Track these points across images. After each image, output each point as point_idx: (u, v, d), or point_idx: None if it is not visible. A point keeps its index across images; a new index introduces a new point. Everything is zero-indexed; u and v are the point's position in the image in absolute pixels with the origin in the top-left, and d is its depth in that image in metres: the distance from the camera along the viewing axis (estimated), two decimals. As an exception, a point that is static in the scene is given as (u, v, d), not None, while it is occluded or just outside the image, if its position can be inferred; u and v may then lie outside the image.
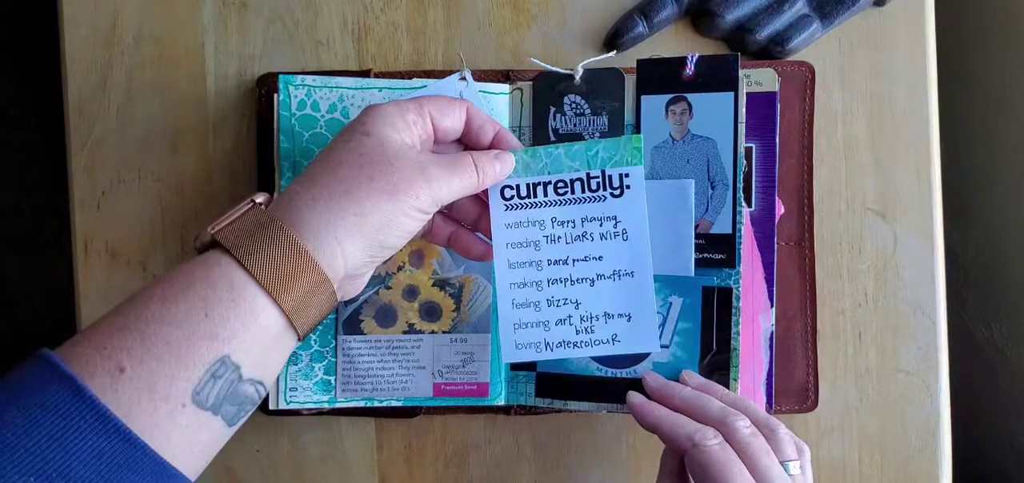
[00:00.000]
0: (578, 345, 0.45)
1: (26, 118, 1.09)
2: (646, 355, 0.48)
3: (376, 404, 0.49)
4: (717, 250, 0.47)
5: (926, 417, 0.52)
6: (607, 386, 0.48)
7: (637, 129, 0.48)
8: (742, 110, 0.46)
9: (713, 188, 0.47)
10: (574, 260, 0.44)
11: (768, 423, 0.42)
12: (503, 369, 0.50)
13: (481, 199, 0.45)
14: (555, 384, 0.49)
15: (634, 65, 0.48)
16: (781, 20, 0.51)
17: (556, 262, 0.44)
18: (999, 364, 0.69)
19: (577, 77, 0.48)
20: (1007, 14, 0.67)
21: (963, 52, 0.70)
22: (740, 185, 0.46)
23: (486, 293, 0.50)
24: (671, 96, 0.47)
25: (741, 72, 0.46)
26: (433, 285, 0.49)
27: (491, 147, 0.43)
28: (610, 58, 0.50)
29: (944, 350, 0.53)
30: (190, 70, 0.52)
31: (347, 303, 0.48)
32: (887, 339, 0.52)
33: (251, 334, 0.34)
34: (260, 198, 0.38)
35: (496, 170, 0.42)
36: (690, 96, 0.47)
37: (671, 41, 0.53)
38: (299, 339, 0.36)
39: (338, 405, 0.49)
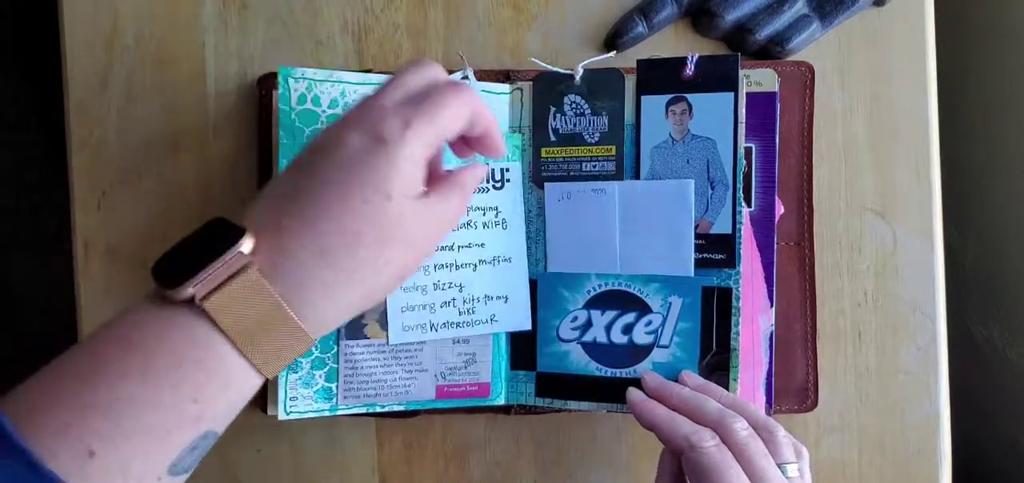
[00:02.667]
0: (460, 325, 0.48)
1: (26, 118, 1.09)
2: (647, 353, 0.48)
3: (377, 410, 0.49)
4: (717, 250, 0.47)
5: (926, 417, 0.52)
6: (607, 386, 0.48)
7: (637, 129, 0.48)
8: (742, 110, 0.46)
9: (713, 188, 0.47)
10: (459, 246, 0.48)
11: (767, 425, 0.42)
12: (503, 369, 0.50)
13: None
14: (555, 384, 0.49)
15: (634, 65, 0.48)
16: (781, 20, 0.51)
17: (443, 248, 0.47)
18: (999, 364, 0.69)
19: (577, 77, 0.48)
20: (1007, 14, 0.67)
21: (963, 52, 0.70)
22: (740, 185, 0.46)
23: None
24: (671, 96, 0.47)
25: (741, 72, 0.46)
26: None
27: (477, 140, 0.40)
28: (610, 58, 0.50)
29: (944, 350, 0.53)
30: (190, 70, 0.52)
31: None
32: (887, 339, 0.52)
33: (235, 407, 0.32)
34: (247, 246, 0.32)
35: (477, 183, 0.41)
36: (690, 96, 0.47)
37: (671, 41, 0.53)
38: None
39: (339, 413, 0.49)
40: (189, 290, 0.30)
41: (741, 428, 0.40)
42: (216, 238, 0.32)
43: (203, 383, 0.30)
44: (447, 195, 0.37)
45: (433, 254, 0.38)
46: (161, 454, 0.29)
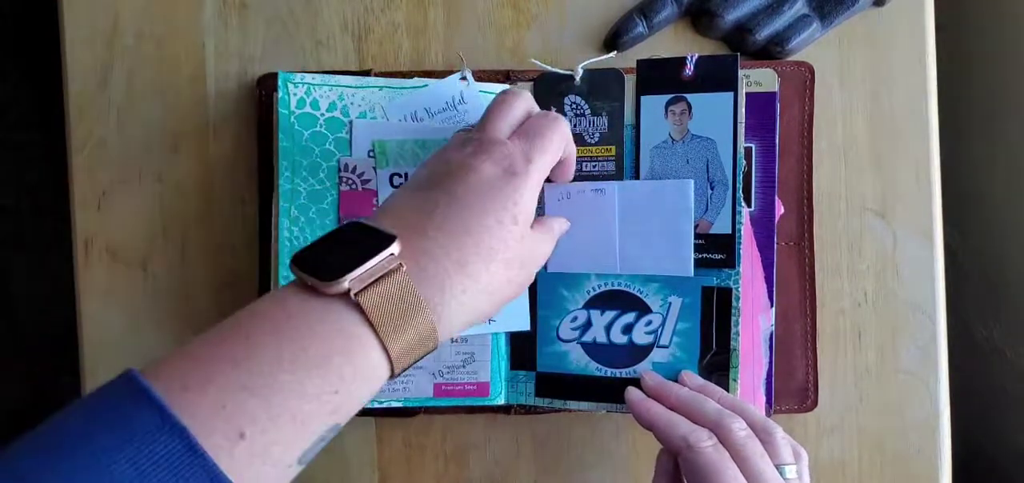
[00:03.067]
0: None
1: (26, 118, 1.09)
2: (646, 353, 0.48)
3: (376, 405, 0.49)
4: (717, 250, 0.47)
5: (926, 417, 0.52)
6: (607, 386, 0.48)
7: (637, 129, 0.48)
8: (742, 110, 0.46)
9: (712, 188, 0.47)
10: None
11: (765, 426, 0.42)
12: (503, 369, 0.50)
13: None
14: (555, 384, 0.49)
15: (634, 65, 0.48)
16: (781, 20, 0.51)
17: None
18: (999, 364, 0.69)
19: (577, 78, 0.48)
20: (1007, 14, 0.67)
21: (963, 52, 0.70)
22: (740, 185, 0.46)
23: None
24: (670, 96, 0.47)
25: (740, 72, 0.46)
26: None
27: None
28: (610, 58, 0.50)
29: (944, 350, 0.53)
30: (190, 70, 0.52)
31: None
32: (887, 339, 0.52)
33: (363, 401, 0.33)
34: (397, 249, 0.34)
35: (564, 230, 0.45)
36: (690, 96, 0.47)
37: (671, 41, 0.53)
38: None
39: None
40: (345, 284, 0.32)
41: (739, 428, 0.40)
42: (358, 240, 0.34)
43: (348, 376, 0.31)
44: (543, 234, 0.41)
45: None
46: (299, 441, 0.30)
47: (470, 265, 0.35)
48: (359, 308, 0.32)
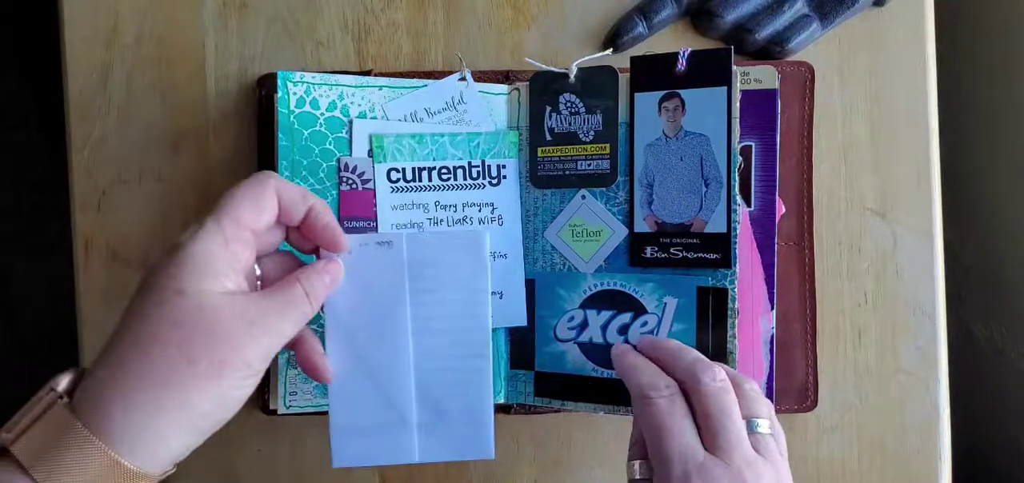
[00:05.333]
0: None
1: (26, 118, 1.09)
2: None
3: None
4: (712, 250, 0.46)
5: (926, 417, 0.52)
6: (604, 387, 0.48)
7: (631, 127, 0.48)
8: (735, 105, 0.46)
9: (707, 186, 0.46)
10: None
11: (737, 379, 0.40)
12: (503, 368, 0.50)
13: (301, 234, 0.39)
14: (553, 384, 0.49)
15: (628, 64, 0.48)
16: (781, 20, 0.51)
17: None
18: (999, 364, 0.69)
19: (571, 76, 0.48)
20: (1007, 14, 0.67)
21: (963, 52, 0.70)
22: (735, 182, 0.46)
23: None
24: (664, 92, 0.47)
25: (738, 68, 0.46)
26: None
27: (306, 225, 0.38)
28: (605, 56, 0.50)
29: (944, 350, 0.53)
30: (190, 70, 0.52)
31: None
32: (887, 339, 0.52)
33: None
34: (62, 383, 0.32)
35: (326, 283, 0.38)
36: (683, 92, 0.46)
37: (671, 41, 0.53)
38: None
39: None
40: (1, 436, 0.31)
41: (710, 380, 0.38)
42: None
43: None
44: (268, 297, 0.35)
45: (267, 345, 0.34)
46: None
47: (128, 363, 0.31)
48: (9, 455, 0.30)
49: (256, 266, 0.38)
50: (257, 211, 0.36)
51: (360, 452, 0.42)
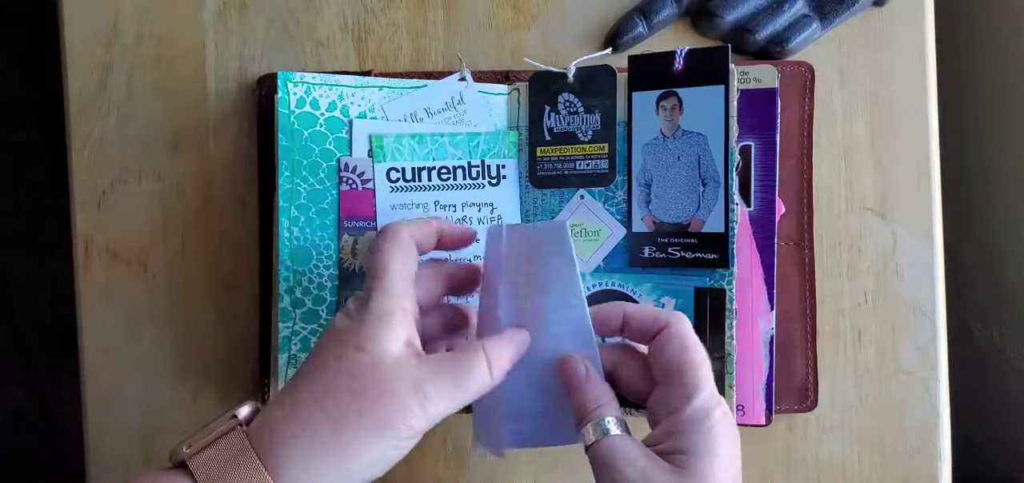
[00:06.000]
0: None
1: (26, 118, 1.09)
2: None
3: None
4: (709, 250, 0.46)
5: (925, 417, 0.52)
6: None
7: (629, 126, 0.48)
8: (733, 103, 0.46)
9: (704, 185, 0.46)
10: None
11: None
12: (503, 369, 0.50)
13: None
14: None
15: (627, 63, 0.48)
16: (781, 20, 0.51)
17: None
18: (998, 364, 0.69)
19: (570, 76, 0.48)
20: (1007, 14, 0.67)
21: (963, 52, 0.70)
22: (733, 182, 0.46)
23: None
24: (661, 92, 0.47)
25: (738, 68, 0.46)
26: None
27: (440, 245, 0.40)
28: (603, 56, 0.50)
29: (943, 350, 0.53)
30: (190, 70, 0.52)
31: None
32: (887, 339, 0.52)
33: None
34: (243, 412, 0.35)
35: (512, 354, 0.37)
36: (680, 91, 0.46)
37: (671, 41, 0.53)
38: None
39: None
40: (183, 451, 0.34)
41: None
42: None
43: None
44: (458, 356, 0.36)
45: (433, 411, 0.34)
46: None
47: (302, 404, 0.34)
48: (186, 469, 0.33)
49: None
50: (408, 260, 0.37)
51: (516, 436, 0.40)
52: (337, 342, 0.35)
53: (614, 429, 0.36)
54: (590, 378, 0.38)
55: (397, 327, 0.35)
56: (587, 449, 0.37)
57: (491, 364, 0.36)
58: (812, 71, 0.51)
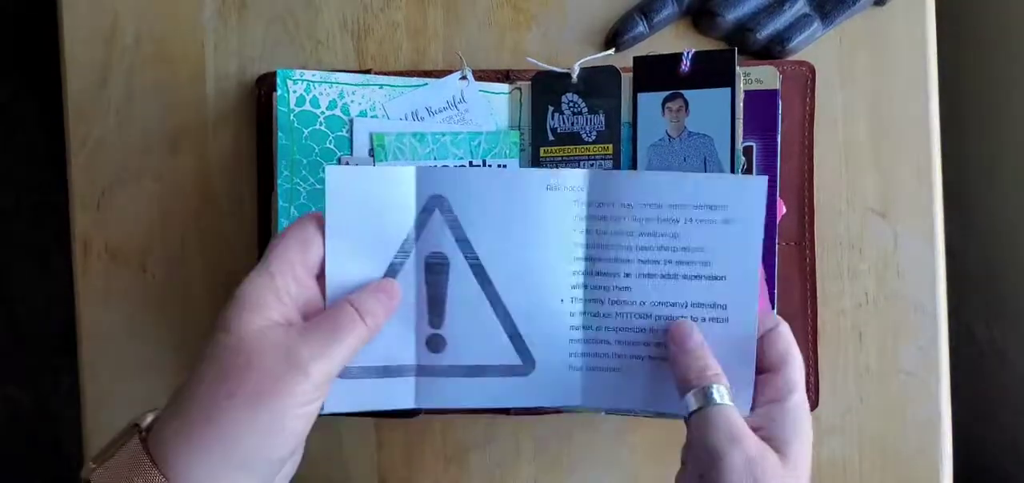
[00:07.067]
0: None
1: (26, 118, 1.09)
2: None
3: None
4: None
5: (926, 417, 0.52)
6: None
7: (634, 127, 0.48)
8: (739, 106, 0.46)
9: None
10: None
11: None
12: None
13: None
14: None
15: (631, 63, 0.48)
16: (782, 20, 0.51)
17: None
18: (999, 364, 0.69)
19: (574, 76, 0.48)
20: (1007, 14, 0.67)
21: (963, 52, 0.70)
22: None
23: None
24: (667, 93, 0.47)
25: (740, 69, 0.46)
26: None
27: None
28: (608, 56, 0.50)
29: (944, 350, 0.53)
30: (190, 70, 0.52)
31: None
32: (887, 339, 0.52)
33: None
34: (147, 419, 0.34)
35: (383, 301, 0.37)
36: (686, 93, 0.47)
37: (671, 41, 0.53)
38: None
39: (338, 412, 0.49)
40: (89, 466, 0.33)
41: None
42: None
43: None
44: (326, 314, 0.36)
45: (316, 371, 0.33)
46: None
47: (182, 402, 0.33)
48: None
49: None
50: (302, 244, 0.37)
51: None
52: (211, 331, 0.35)
53: (727, 399, 0.37)
54: (705, 345, 0.40)
55: (264, 305, 0.34)
56: (693, 414, 0.37)
57: (361, 313, 0.36)
58: (813, 70, 0.51)
